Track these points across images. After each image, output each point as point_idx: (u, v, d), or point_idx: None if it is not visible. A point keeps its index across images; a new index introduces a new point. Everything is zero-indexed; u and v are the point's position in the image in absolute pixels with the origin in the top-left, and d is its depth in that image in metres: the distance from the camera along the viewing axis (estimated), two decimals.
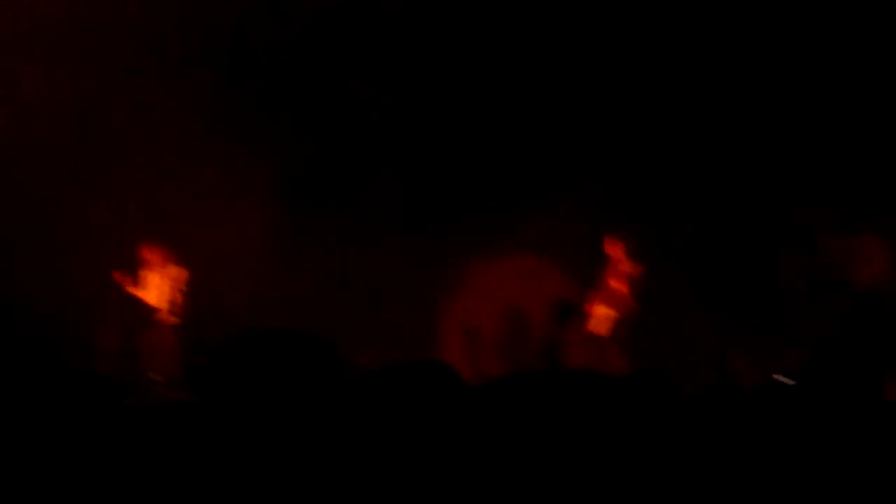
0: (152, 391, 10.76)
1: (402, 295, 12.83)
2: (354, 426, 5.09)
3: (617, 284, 11.35)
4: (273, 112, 12.53)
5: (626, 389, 5.28)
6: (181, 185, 12.30)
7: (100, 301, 11.83)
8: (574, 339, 11.69)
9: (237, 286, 12.13)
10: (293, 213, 12.54)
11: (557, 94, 12.46)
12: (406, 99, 12.65)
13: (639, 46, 12.19)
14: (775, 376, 10.62)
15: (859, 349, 11.10)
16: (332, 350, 5.29)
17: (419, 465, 4.87)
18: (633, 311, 11.33)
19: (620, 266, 11.37)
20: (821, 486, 4.89)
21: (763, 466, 4.99)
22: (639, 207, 12.25)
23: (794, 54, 11.92)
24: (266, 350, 5.41)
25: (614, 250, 11.42)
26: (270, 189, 12.31)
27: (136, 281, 11.78)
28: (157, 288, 11.77)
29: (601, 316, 11.43)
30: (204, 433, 4.81)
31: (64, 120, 11.92)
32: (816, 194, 12.11)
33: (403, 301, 12.84)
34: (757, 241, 12.45)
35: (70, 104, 11.92)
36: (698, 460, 4.92)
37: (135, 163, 12.26)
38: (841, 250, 12.21)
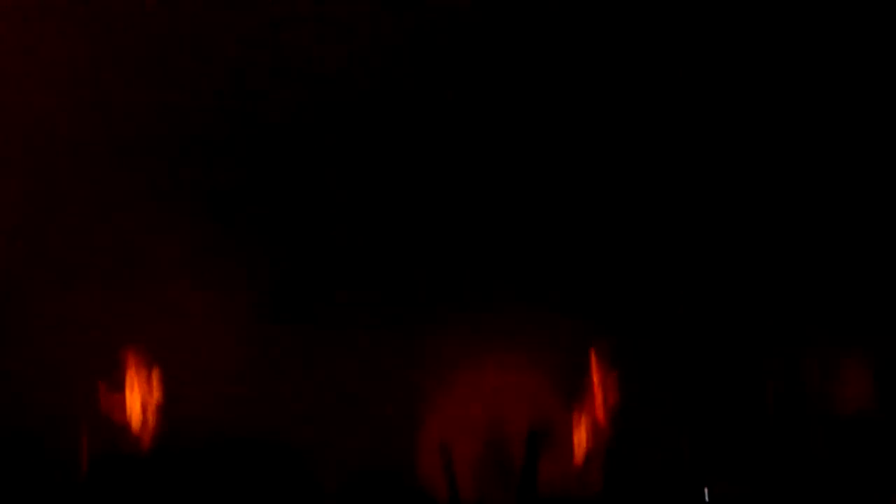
0: None
1: (377, 406, 12.67)
2: None
3: (599, 399, 11.25)
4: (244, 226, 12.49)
5: None
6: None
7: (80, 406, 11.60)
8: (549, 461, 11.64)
9: (212, 395, 11.96)
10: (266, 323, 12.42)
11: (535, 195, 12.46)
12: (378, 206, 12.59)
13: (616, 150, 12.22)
14: None
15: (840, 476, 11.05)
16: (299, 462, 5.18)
17: None
18: (614, 427, 11.24)
19: (602, 380, 11.26)
20: None
21: None
22: (622, 320, 12.16)
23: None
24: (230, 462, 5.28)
25: (597, 365, 11.35)
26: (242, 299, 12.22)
27: (114, 387, 11.61)
28: (134, 394, 11.61)
29: (581, 432, 11.35)
30: None
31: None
32: (800, 318, 12.07)
33: (378, 412, 12.68)
34: (739, 364, 12.35)
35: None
36: None
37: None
38: (823, 375, 12.16)
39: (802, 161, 11.90)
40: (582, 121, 12.17)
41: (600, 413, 11.20)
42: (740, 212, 12.11)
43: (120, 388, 11.60)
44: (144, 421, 11.50)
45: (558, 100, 12.16)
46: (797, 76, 11.79)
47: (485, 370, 12.82)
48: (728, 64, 11.77)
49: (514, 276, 12.58)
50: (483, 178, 12.46)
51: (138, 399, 11.58)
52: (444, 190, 12.52)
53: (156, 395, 11.58)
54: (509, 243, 12.57)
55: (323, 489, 11.17)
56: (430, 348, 12.58)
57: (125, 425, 11.51)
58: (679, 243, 12.25)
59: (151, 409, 11.54)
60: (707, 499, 10.81)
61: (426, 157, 12.44)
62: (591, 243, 12.43)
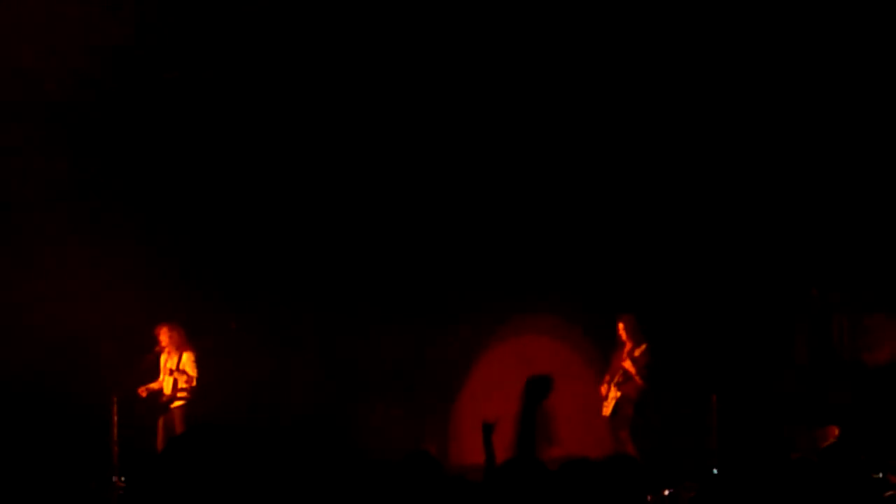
0: None
1: (412, 379, 12.90)
2: None
3: (626, 365, 11.37)
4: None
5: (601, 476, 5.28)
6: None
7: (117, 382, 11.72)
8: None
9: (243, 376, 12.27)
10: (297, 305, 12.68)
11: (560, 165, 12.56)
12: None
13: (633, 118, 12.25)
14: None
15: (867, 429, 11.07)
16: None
17: None
18: (641, 392, 11.37)
19: (629, 346, 11.38)
20: None
21: None
22: (648, 286, 12.26)
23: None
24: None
25: (624, 330, 11.43)
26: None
27: (150, 364, 11.83)
28: (168, 372, 11.84)
29: (609, 396, 11.46)
30: None
31: None
32: (830, 272, 12.08)
33: (413, 385, 12.91)
34: (770, 319, 12.38)
35: None
36: None
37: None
38: (852, 330, 12.18)
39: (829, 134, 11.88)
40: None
41: (630, 370, 11.28)
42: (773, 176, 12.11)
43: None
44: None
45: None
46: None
47: (517, 341, 13.01)
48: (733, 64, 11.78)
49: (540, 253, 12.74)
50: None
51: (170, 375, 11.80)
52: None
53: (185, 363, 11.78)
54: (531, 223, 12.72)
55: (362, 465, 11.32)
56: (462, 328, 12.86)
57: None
58: (707, 202, 12.28)
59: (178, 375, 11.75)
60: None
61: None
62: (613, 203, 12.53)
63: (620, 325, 11.47)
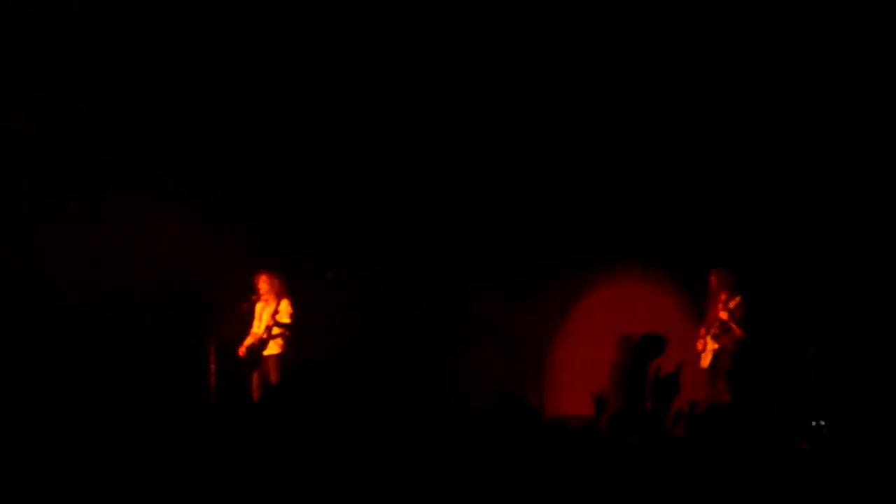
0: None
1: (510, 332, 12.92)
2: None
3: (722, 316, 11.30)
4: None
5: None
6: None
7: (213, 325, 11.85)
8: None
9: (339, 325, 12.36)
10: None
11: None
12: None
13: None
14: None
15: None
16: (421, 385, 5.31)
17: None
18: (739, 343, 11.28)
19: (724, 297, 11.32)
20: None
21: None
22: (745, 237, 12.15)
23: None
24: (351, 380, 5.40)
25: (718, 283, 11.39)
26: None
27: (246, 310, 11.83)
28: (263, 319, 11.80)
29: (707, 349, 11.39)
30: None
31: None
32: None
33: (511, 338, 12.93)
34: (871, 273, 12.17)
35: None
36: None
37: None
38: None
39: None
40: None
41: (727, 323, 11.21)
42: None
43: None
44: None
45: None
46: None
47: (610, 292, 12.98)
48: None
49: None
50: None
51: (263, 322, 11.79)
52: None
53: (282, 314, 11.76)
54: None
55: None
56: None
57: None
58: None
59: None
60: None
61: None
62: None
63: (713, 278, 11.42)
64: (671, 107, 12.24)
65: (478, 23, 11.80)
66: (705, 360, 11.42)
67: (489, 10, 11.69)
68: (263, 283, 11.77)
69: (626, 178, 12.64)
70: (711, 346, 11.39)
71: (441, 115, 12.55)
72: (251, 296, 11.79)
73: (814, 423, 10.47)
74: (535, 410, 5.86)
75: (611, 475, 5.17)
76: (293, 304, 11.75)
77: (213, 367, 11.47)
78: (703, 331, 11.49)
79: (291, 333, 11.72)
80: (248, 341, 11.74)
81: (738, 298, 11.28)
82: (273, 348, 11.72)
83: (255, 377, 11.66)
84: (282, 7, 11.79)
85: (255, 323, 11.84)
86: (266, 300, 11.79)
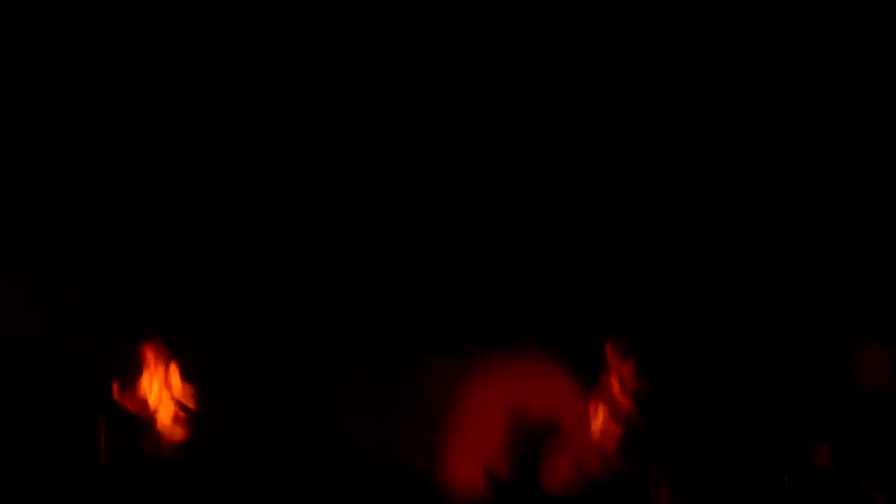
0: None
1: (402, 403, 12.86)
2: None
3: (616, 390, 11.30)
4: None
5: None
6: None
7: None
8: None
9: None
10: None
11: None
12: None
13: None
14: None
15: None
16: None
17: None
18: (632, 418, 11.29)
19: (619, 371, 11.30)
20: None
21: None
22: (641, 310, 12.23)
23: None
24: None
25: (615, 354, 11.33)
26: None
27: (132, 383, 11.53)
28: (156, 394, 11.54)
29: (599, 423, 11.39)
30: None
31: None
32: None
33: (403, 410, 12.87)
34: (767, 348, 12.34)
35: None
36: None
37: None
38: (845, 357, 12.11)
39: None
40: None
41: (621, 400, 11.21)
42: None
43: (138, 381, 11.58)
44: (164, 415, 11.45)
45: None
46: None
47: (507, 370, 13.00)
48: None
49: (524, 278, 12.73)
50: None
51: (158, 393, 11.54)
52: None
53: (176, 389, 11.50)
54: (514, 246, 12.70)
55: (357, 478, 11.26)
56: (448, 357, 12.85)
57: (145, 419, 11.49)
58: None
59: (171, 403, 11.48)
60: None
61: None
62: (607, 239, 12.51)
63: (607, 345, 11.35)
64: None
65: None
66: (595, 433, 11.41)
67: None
68: (149, 353, 11.51)
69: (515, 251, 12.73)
70: (602, 418, 11.37)
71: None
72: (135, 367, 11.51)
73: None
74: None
75: None
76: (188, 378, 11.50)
77: (103, 437, 11.28)
78: (594, 403, 11.39)
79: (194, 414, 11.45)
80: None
81: (631, 364, 11.25)
82: (178, 433, 11.42)
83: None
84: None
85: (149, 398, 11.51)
86: (152, 371, 11.50)
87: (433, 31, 11.93)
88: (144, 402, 11.58)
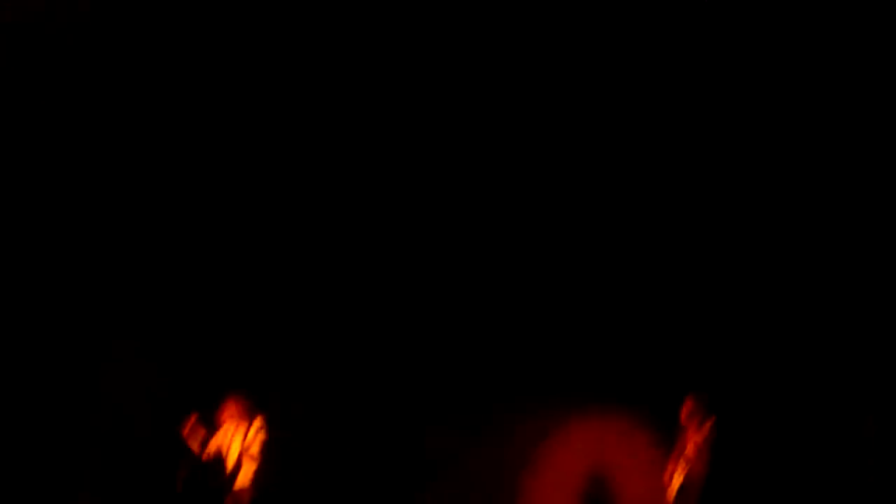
0: None
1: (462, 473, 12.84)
2: None
3: (690, 448, 11.27)
4: None
5: None
6: None
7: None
8: None
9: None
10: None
11: None
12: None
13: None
14: None
15: None
16: None
17: None
18: (705, 475, 11.22)
19: (694, 428, 11.28)
20: None
21: None
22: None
23: None
24: None
25: (689, 411, 11.32)
26: None
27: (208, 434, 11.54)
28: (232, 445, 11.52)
29: (675, 482, 11.37)
30: None
31: None
32: None
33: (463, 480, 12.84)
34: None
35: None
36: None
37: None
38: None
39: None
40: None
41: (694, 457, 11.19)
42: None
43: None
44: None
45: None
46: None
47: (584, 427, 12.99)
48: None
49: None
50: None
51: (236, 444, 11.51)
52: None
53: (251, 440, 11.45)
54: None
55: None
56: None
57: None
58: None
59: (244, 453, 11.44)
60: None
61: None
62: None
63: (685, 407, 11.35)
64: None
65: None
66: (671, 494, 11.40)
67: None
68: (229, 409, 11.50)
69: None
70: (678, 479, 11.36)
71: None
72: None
73: None
74: None
75: None
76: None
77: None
78: (671, 463, 11.46)
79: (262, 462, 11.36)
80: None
81: (709, 424, 11.23)
82: (243, 480, 11.36)
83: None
84: None
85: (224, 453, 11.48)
86: (228, 427, 11.50)
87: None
88: (219, 452, 11.59)
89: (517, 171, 12.43)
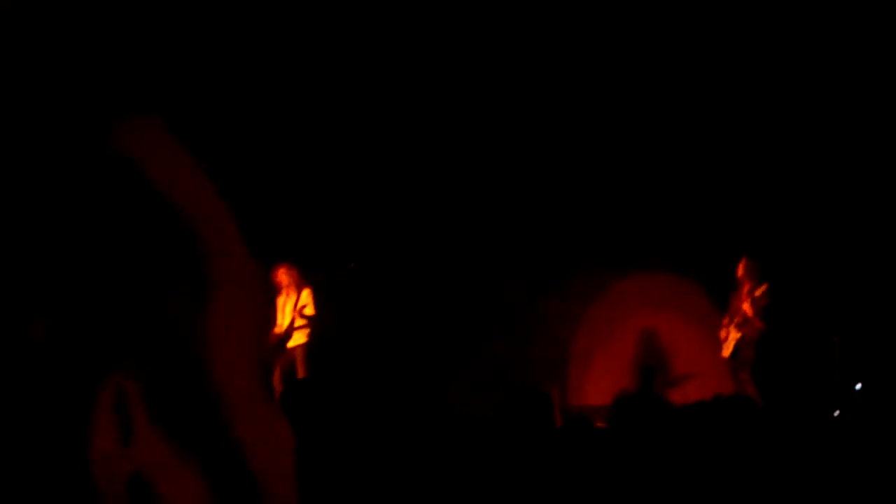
0: None
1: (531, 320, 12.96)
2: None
3: (745, 306, 11.19)
4: None
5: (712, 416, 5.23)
6: None
7: None
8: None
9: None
10: None
11: None
12: None
13: None
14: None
15: None
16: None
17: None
18: (761, 333, 11.20)
19: (748, 287, 11.21)
20: None
21: None
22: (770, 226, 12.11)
23: None
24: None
25: (744, 272, 11.28)
26: None
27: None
28: (286, 312, 11.72)
29: (730, 338, 11.34)
30: None
31: None
32: None
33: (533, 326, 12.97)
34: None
35: None
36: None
37: None
38: None
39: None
40: None
41: (751, 312, 11.14)
42: None
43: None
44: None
45: None
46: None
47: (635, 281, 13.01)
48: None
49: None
50: None
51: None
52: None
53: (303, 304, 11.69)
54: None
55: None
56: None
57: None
58: None
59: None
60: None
61: None
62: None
63: (739, 267, 11.32)
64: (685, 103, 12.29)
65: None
66: (727, 350, 11.38)
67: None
68: (283, 276, 11.69)
69: (647, 173, 12.65)
70: (734, 335, 11.32)
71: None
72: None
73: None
74: (549, 400, 5.88)
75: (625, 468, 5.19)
76: (314, 295, 11.69)
77: None
78: (726, 320, 11.40)
79: (315, 324, 11.67)
80: (274, 333, 11.66)
81: (764, 287, 11.11)
82: (298, 339, 11.68)
83: (279, 368, 11.56)
84: None
85: (279, 316, 11.75)
86: (287, 293, 11.72)
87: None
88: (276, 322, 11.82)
89: None
